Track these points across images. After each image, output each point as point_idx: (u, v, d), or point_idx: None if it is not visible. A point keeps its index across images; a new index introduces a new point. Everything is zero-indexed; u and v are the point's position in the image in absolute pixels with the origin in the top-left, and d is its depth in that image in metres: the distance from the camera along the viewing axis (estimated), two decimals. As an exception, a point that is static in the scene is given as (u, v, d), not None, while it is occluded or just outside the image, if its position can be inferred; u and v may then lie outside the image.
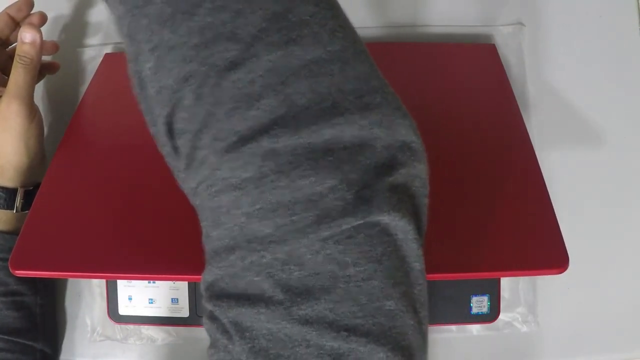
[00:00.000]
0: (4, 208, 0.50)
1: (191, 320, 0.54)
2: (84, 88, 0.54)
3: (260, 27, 0.24)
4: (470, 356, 0.56)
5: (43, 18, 0.54)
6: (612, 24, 0.58)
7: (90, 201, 0.44)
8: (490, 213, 0.40)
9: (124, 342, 0.56)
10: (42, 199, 0.43)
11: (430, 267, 0.38)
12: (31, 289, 0.52)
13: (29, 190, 0.51)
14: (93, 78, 0.55)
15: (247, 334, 0.24)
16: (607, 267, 0.56)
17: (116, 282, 0.54)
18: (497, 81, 0.52)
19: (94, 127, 0.50)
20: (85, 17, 0.61)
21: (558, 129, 0.57)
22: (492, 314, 0.53)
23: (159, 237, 0.41)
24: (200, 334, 0.56)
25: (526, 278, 0.55)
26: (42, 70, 0.53)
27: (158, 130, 0.27)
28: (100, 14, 0.61)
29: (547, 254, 0.38)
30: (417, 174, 0.26)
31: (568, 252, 0.38)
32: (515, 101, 0.49)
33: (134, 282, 0.54)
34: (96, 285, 0.57)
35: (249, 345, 0.24)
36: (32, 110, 0.50)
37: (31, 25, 0.50)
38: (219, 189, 0.25)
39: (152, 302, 0.54)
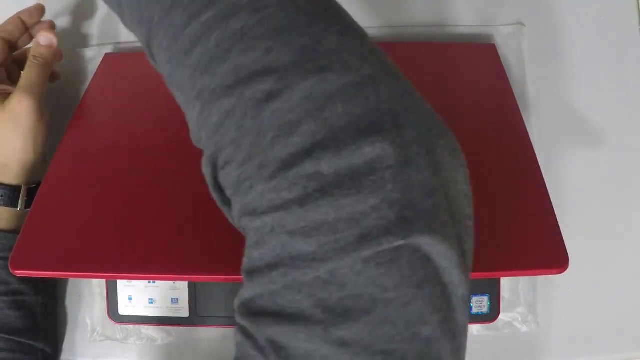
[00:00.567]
0: (7, 205, 0.50)
1: (191, 320, 0.54)
2: (84, 88, 0.54)
3: (291, 59, 0.25)
4: (470, 356, 0.56)
5: (53, 26, 0.56)
6: (612, 24, 0.58)
7: (90, 201, 0.44)
8: (490, 213, 0.40)
9: (124, 342, 0.56)
10: (42, 199, 0.43)
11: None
12: (33, 288, 0.52)
13: (32, 188, 0.51)
14: (93, 78, 0.55)
15: (283, 352, 0.24)
16: (607, 267, 0.56)
17: (116, 282, 0.54)
18: (497, 81, 0.52)
19: (94, 127, 0.50)
20: (85, 17, 0.61)
21: (558, 129, 0.57)
22: (492, 314, 0.53)
23: (159, 237, 0.41)
24: (201, 334, 0.57)
25: (526, 278, 0.55)
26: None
27: (204, 164, 0.29)
28: (100, 14, 0.61)
29: (547, 254, 0.38)
30: (461, 192, 0.27)
31: (568, 252, 0.38)
32: (515, 101, 0.49)
33: (134, 282, 0.54)
34: (96, 285, 0.57)
35: None
36: (42, 109, 0.51)
37: (49, 29, 0.53)
38: (263, 210, 0.25)
39: (152, 302, 0.54)
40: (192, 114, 0.29)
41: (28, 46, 0.55)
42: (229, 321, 0.54)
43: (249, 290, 0.26)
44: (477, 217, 0.41)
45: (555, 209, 0.40)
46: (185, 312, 0.54)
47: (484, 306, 0.53)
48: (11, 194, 0.50)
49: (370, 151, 0.24)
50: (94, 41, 0.60)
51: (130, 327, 0.56)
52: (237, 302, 0.27)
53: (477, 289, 0.53)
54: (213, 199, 0.30)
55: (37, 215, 0.42)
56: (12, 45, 0.54)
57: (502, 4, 0.59)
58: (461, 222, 0.26)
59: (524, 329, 0.55)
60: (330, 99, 0.25)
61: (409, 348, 0.24)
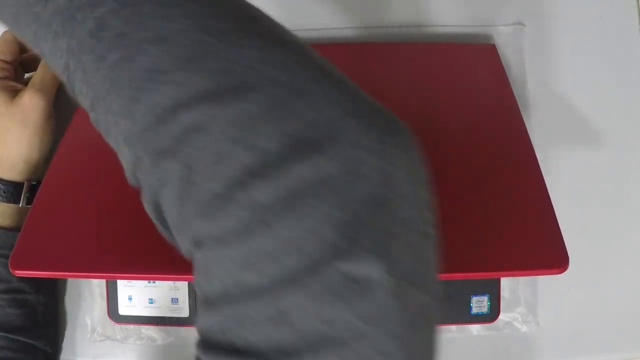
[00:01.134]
0: (9, 201, 0.50)
1: (191, 320, 0.54)
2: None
3: (206, 89, 0.24)
4: (470, 356, 0.56)
5: None
6: (612, 24, 0.58)
7: (91, 201, 0.44)
8: (490, 213, 0.40)
9: (124, 342, 0.56)
10: (42, 198, 0.43)
11: (430, 267, 0.38)
12: (33, 287, 0.52)
13: (34, 185, 0.51)
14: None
15: None
16: (607, 267, 0.56)
17: (116, 282, 0.54)
18: (497, 81, 0.52)
19: (94, 127, 0.50)
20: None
21: (558, 129, 0.57)
22: (492, 314, 0.53)
23: (159, 237, 0.40)
24: (200, 334, 0.57)
25: (526, 278, 0.55)
26: None
27: (147, 207, 0.29)
28: None
29: (547, 254, 0.38)
30: (415, 197, 0.24)
31: (568, 252, 0.38)
32: (515, 101, 0.49)
33: (134, 282, 0.54)
34: (96, 285, 0.57)
35: None
36: (52, 108, 0.51)
37: None
38: (206, 243, 0.24)
39: (152, 302, 0.54)
40: (123, 158, 0.28)
41: None
42: (229, 321, 0.53)
43: (203, 320, 0.25)
44: (478, 217, 0.41)
45: (555, 209, 0.40)
46: (185, 312, 0.54)
47: (484, 306, 0.53)
48: (13, 190, 0.50)
49: (306, 171, 0.22)
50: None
51: (130, 327, 0.56)
52: (196, 328, 0.26)
53: (477, 289, 0.53)
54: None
55: (37, 215, 0.42)
56: (22, 46, 0.54)
57: (502, 4, 0.59)
58: (413, 231, 0.24)
59: (524, 329, 0.55)
60: (258, 121, 0.23)
61: None
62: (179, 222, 0.26)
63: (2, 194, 0.50)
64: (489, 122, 0.48)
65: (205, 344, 0.24)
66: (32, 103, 0.49)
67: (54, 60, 0.28)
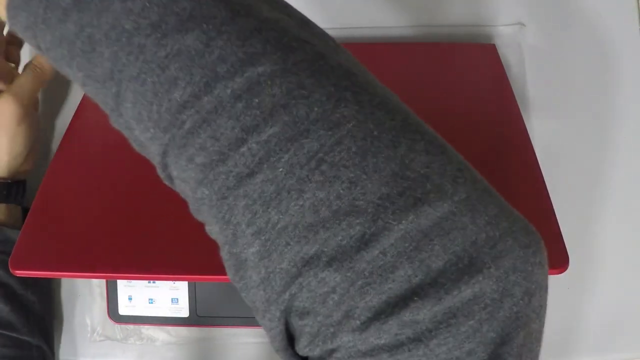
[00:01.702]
0: None
1: (191, 320, 0.54)
2: (84, 88, 0.54)
3: (380, 193, 0.22)
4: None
5: None
6: (612, 24, 0.58)
7: (90, 201, 0.44)
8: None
9: (124, 342, 0.56)
10: (42, 199, 0.43)
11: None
12: (20, 283, 0.52)
13: (9, 184, 0.52)
14: (93, 78, 0.55)
15: None
16: (606, 267, 0.56)
17: (116, 282, 0.54)
18: (497, 81, 0.52)
19: (94, 127, 0.50)
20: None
21: (558, 129, 0.57)
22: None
23: (159, 237, 0.41)
24: (201, 334, 0.57)
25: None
26: None
27: (270, 314, 0.25)
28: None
29: (547, 254, 0.38)
30: (543, 314, 0.25)
31: (568, 252, 0.37)
32: (515, 101, 0.49)
33: (134, 282, 0.54)
34: (96, 285, 0.57)
35: None
36: (25, 114, 0.51)
37: None
38: (345, 355, 0.23)
39: (152, 302, 0.54)
40: (240, 251, 0.24)
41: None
42: (229, 321, 0.54)
43: None
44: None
45: (555, 209, 0.40)
46: (185, 312, 0.54)
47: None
48: None
49: (469, 292, 0.22)
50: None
51: (130, 327, 0.56)
52: None
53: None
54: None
55: (37, 215, 0.42)
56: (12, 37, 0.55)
57: (502, 4, 0.59)
58: (539, 340, 0.25)
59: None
60: (427, 236, 0.22)
61: None
62: (317, 334, 0.24)
63: None
64: (489, 122, 0.48)
65: None
66: (3, 107, 0.50)
67: (154, 112, 0.24)
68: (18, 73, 0.55)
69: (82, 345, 0.57)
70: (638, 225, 0.57)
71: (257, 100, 0.23)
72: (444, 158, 0.24)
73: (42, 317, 0.54)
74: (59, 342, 0.57)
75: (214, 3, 0.24)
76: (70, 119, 0.50)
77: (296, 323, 0.24)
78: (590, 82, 0.58)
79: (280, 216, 0.23)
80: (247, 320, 0.53)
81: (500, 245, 0.23)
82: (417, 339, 0.22)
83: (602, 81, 0.58)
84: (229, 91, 0.23)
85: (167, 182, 0.27)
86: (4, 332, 0.50)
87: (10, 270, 0.39)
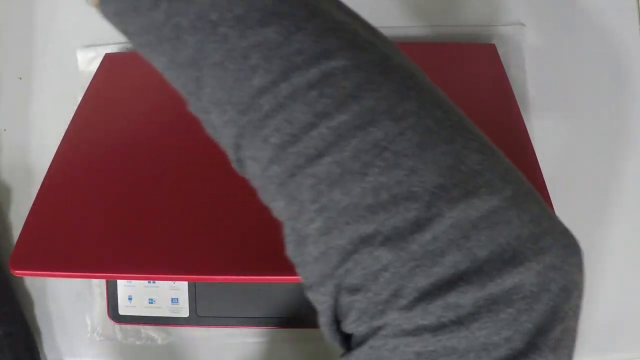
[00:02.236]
0: None
1: (191, 320, 0.54)
2: (84, 88, 0.54)
3: (436, 183, 0.24)
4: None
5: None
6: (612, 24, 0.58)
7: (90, 201, 0.44)
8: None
9: (124, 342, 0.56)
10: (41, 199, 0.43)
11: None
12: None
13: None
14: (93, 78, 0.55)
15: None
16: (606, 268, 0.56)
17: (116, 282, 0.54)
18: (497, 81, 0.52)
19: (94, 128, 0.50)
20: (85, 17, 0.61)
21: (558, 129, 0.57)
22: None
23: (159, 237, 0.41)
24: (201, 333, 0.57)
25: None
26: None
27: (325, 287, 0.26)
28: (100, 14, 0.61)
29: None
30: (578, 313, 0.26)
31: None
32: (515, 101, 0.49)
33: (134, 282, 0.54)
34: (96, 285, 0.57)
35: None
36: None
37: None
38: (389, 333, 0.24)
39: (152, 302, 0.54)
40: (302, 226, 0.26)
41: None
42: (229, 321, 0.54)
43: None
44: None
45: (555, 209, 0.40)
46: (185, 312, 0.54)
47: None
48: None
49: (510, 282, 0.23)
50: (94, 41, 0.60)
51: (130, 327, 0.56)
52: None
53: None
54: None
55: (37, 215, 0.42)
56: None
57: (502, 4, 0.59)
58: (574, 339, 0.26)
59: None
60: (475, 226, 0.24)
61: None
62: (366, 310, 0.25)
63: None
64: (489, 122, 0.47)
65: None
66: None
67: (228, 93, 0.26)
68: None
69: (82, 345, 0.57)
70: (638, 225, 0.57)
71: (330, 90, 0.25)
72: (495, 158, 0.26)
73: (18, 353, 0.53)
74: (59, 342, 0.57)
75: (293, 2, 0.26)
76: (70, 120, 0.50)
77: (346, 300, 0.25)
78: (590, 82, 0.58)
79: (344, 196, 0.24)
80: (247, 320, 0.53)
81: (541, 242, 0.24)
82: (459, 322, 0.23)
83: (602, 81, 0.58)
84: (304, 80, 0.25)
85: (235, 166, 0.29)
86: None
87: (10, 270, 0.39)
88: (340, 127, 0.24)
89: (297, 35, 0.25)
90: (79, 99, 0.53)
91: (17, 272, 0.39)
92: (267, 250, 0.39)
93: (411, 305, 0.24)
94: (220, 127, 0.28)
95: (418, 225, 0.24)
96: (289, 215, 0.27)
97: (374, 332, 0.25)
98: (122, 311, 0.54)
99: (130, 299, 0.54)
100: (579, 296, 0.26)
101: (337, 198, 0.25)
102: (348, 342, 0.27)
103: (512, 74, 0.57)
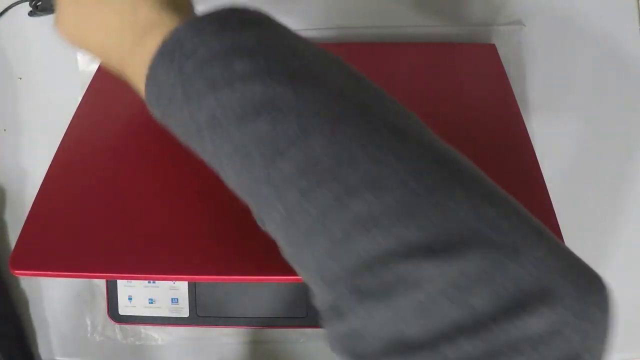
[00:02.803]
0: None
1: (191, 320, 0.54)
2: (84, 88, 0.54)
3: (422, 240, 0.24)
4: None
5: None
6: (612, 24, 0.58)
7: (90, 201, 0.44)
8: (490, 213, 0.40)
9: (124, 342, 0.57)
10: (41, 199, 0.43)
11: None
12: None
13: None
14: (93, 79, 0.55)
15: None
16: (606, 268, 0.56)
17: (116, 282, 0.54)
18: (497, 81, 0.52)
19: (93, 128, 0.50)
20: (85, 17, 0.61)
21: (558, 129, 0.57)
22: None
23: (159, 237, 0.41)
24: (201, 333, 0.57)
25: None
26: None
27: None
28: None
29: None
30: (600, 355, 0.25)
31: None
32: (515, 101, 0.49)
33: (134, 282, 0.54)
34: (96, 285, 0.57)
35: None
36: None
37: None
38: None
39: (152, 302, 0.54)
40: (316, 290, 0.29)
41: None
42: (229, 321, 0.54)
43: None
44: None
45: (555, 209, 0.40)
46: (185, 312, 0.54)
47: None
48: None
49: (512, 329, 0.23)
50: (94, 41, 0.60)
51: (130, 327, 0.56)
52: None
53: (477, 289, 0.53)
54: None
55: (36, 216, 0.42)
56: None
57: (502, 4, 0.59)
58: None
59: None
60: (472, 280, 0.23)
61: None
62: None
63: None
64: (489, 122, 0.48)
65: None
66: None
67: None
68: None
69: (82, 345, 0.57)
70: (638, 225, 0.57)
71: (314, 168, 0.27)
72: (487, 206, 0.26)
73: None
74: (59, 342, 0.57)
75: (280, 86, 0.29)
76: (70, 120, 0.50)
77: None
78: (590, 82, 0.58)
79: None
80: (247, 320, 0.53)
81: (550, 287, 0.24)
82: None
83: (602, 81, 0.58)
84: (290, 165, 0.27)
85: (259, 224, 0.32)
86: None
87: (10, 270, 0.39)
88: (326, 197, 0.26)
89: (284, 123, 0.28)
90: (79, 99, 0.53)
91: (17, 272, 0.39)
92: (267, 250, 0.39)
93: (408, 356, 0.24)
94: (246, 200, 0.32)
95: (405, 282, 0.24)
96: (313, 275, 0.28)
97: None
98: (122, 311, 0.54)
99: (130, 299, 0.54)
100: (600, 337, 0.25)
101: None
102: None
103: (512, 74, 0.58)
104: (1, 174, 0.60)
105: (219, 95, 0.29)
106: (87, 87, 0.54)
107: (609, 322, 0.25)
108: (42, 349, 0.58)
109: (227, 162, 0.30)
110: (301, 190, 0.27)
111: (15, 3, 0.61)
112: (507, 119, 0.48)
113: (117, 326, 0.56)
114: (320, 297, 0.28)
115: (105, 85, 0.54)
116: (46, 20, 0.61)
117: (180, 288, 0.54)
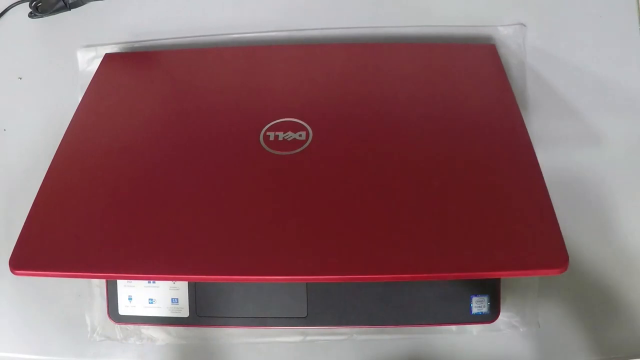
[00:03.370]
0: None
1: (191, 320, 0.54)
2: (84, 88, 0.54)
3: None
4: (470, 356, 0.56)
5: None
6: (612, 24, 0.58)
7: (90, 201, 0.44)
8: (490, 213, 0.40)
9: (124, 342, 0.57)
10: (42, 199, 0.43)
11: (430, 267, 0.38)
12: None
13: None
14: (93, 78, 0.55)
15: None
16: (606, 268, 0.56)
17: (116, 282, 0.54)
18: (497, 81, 0.52)
19: (94, 128, 0.50)
20: (85, 16, 0.61)
21: (558, 129, 0.57)
22: (492, 314, 0.53)
23: (159, 237, 0.41)
24: (201, 333, 0.57)
25: (526, 278, 0.55)
26: None
27: None
28: (100, 14, 0.61)
29: (547, 254, 0.38)
30: None
31: (568, 252, 0.38)
32: (515, 101, 0.49)
33: (134, 282, 0.54)
34: (96, 285, 0.57)
35: None
36: None
37: None
38: None
39: (152, 302, 0.54)
40: None
41: None
42: (229, 321, 0.54)
43: None
44: (478, 217, 0.41)
45: (555, 209, 0.40)
46: (185, 312, 0.54)
47: (484, 306, 0.53)
48: None
49: None
50: (94, 41, 0.60)
51: (130, 327, 0.56)
52: None
53: (477, 289, 0.53)
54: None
55: (37, 215, 0.42)
56: None
57: (502, 4, 0.59)
58: None
59: (524, 329, 0.55)
60: None
61: None
62: None
63: None
64: (488, 122, 0.48)
65: None
66: None
67: None
68: None
69: (82, 345, 0.57)
70: (638, 225, 0.57)
71: None
72: None
73: None
74: (59, 342, 0.57)
75: None
76: (70, 119, 0.50)
77: None
78: (590, 82, 0.58)
79: None
80: (247, 320, 0.53)
81: None
82: None
83: (602, 81, 0.58)
84: None
85: None
86: None
87: (10, 270, 0.39)
88: None
89: None
90: (79, 99, 0.53)
91: (18, 272, 0.39)
92: (267, 250, 0.39)
93: None
94: None
95: None
96: None
97: None
98: (122, 311, 0.54)
99: (130, 299, 0.54)
100: None
101: None
102: None
103: (512, 74, 0.58)
104: (1, 174, 0.60)
105: None
106: (87, 87, 0.54)
107: None
108: (42, 349, 0.58)
109: None
110: None
111: (15, 3, 0.61)
112: (507, 119, 0.48)
113: (117, 326, 0.56)
114: None
115: (105, 85, 0.54)
116: (46, 20, 0.61)
117: (180, 288, 0.54)
